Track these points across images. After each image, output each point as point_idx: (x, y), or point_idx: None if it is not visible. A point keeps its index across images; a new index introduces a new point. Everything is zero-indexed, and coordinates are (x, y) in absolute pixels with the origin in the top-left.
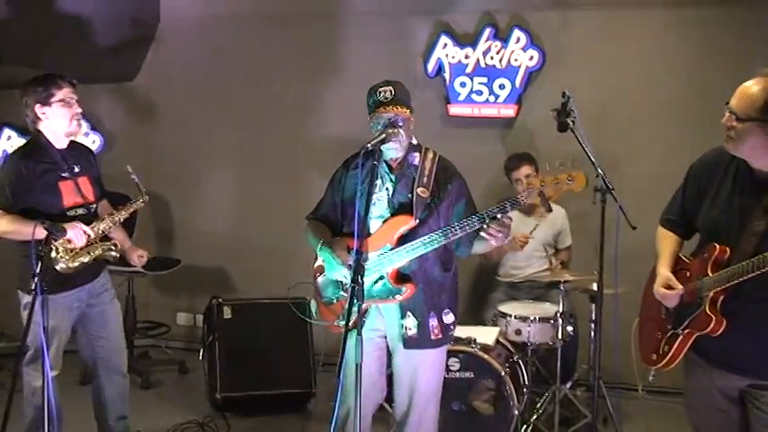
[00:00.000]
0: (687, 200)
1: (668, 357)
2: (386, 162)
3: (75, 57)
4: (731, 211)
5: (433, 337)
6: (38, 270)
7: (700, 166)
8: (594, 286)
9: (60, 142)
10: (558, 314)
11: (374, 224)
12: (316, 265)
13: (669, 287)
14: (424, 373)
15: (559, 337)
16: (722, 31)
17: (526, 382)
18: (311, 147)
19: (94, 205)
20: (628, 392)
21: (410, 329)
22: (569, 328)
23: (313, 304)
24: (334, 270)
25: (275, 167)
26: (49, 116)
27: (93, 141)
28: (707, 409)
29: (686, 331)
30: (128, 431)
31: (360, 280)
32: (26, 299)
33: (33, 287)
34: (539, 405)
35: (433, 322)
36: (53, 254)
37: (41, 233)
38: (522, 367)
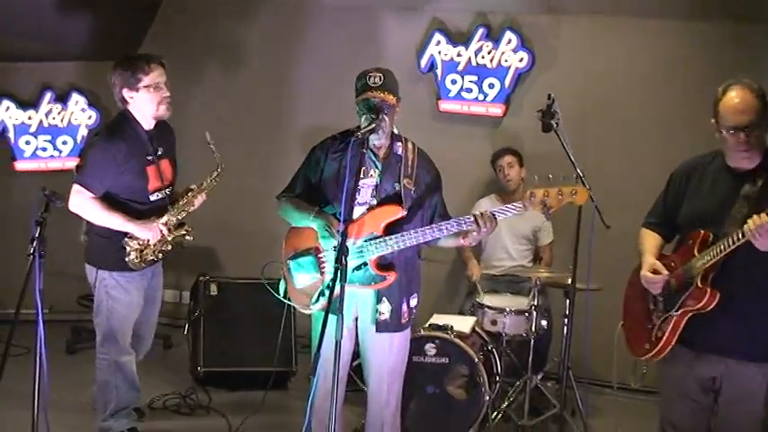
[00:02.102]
0: (669, 202)
1: (663, 341)
2: (371, 149)
3: (73, 32)
4: (713, 203)
5: (403, 321)
6: (37, 234)
7: (680, 171)
8: (569, 281)
9: (148, 123)
10: (533, 307)
11: (357, 210)
12: (285, 246)
13: (655, 272)
14: (392, 354)
15: (533, 329)
16: (709, 43)
17: (499, 371)
18: (294, 130)
19: (171, 187)
20: (596, 387)
21: (383, 314)
22: (543, 322)
23: (282, 284)
24: (330, 239)
25: (259, 150)
26: (136, 100)
27: (89, 117)
28: (680, 398)
29: (680, 311)
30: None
31: (344, 261)
32: (101, 274)
33: (32, 251)
34: (510, 393)
35: (404, 307)
36: (126, 257)
37: (132, 228)
38: (496, 356)
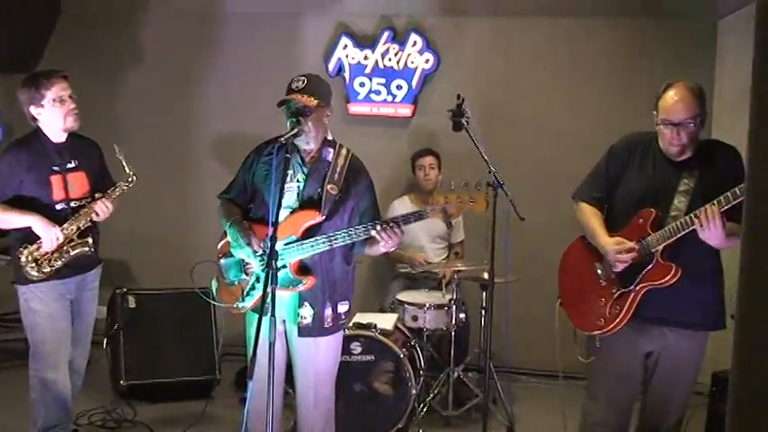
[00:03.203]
0: (611, 176)
1: (620, 316)
2: (299, 154)
3: None
4: (656, 185)
5: (326, 326)
6: None
7: (622, 146)
8: (486, 275)
9: (58, 137)
10: (452, 302)
11: (281, 214)
12: (220, 245)
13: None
14: (317, 358)
15: (453, 323)
16: (606, 41)
17: (422, 365)
18: (206, 138)
19: (80, 202)
20: (515, 375)
21: (305, 318)
22: (462, 315)
23: (214, 284)
24: (239, 249)
25: (170, 160)
26: (43, 115)
27: None
28: (620, 375)
29: (639, 286)
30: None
31: (273, 264)
32: (20, 288)
33: None
34: (434, 386)
35: (328, 312)
36: (23, 268)
37: (33, 221)
38: (419, 351)
